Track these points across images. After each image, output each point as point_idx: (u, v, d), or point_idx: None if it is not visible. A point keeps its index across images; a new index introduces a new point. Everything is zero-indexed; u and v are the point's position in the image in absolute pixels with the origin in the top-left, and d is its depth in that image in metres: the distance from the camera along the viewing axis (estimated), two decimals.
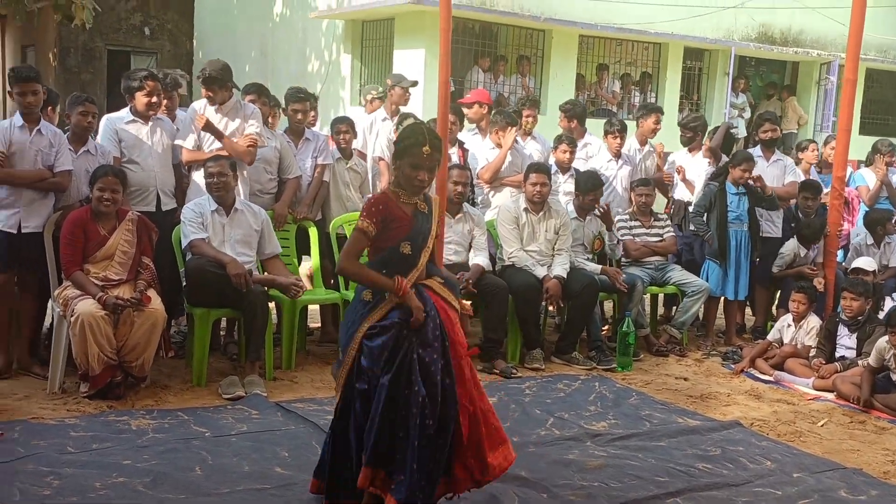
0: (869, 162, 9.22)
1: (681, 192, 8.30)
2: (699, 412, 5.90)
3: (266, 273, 6.22)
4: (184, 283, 6.07)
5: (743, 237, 7.63)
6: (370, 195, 7.47)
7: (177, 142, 6.48)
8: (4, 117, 19.12)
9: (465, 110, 8.11)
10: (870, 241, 8.15)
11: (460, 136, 7.87)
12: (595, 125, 9.96)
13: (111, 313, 5.34)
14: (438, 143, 3.94)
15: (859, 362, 6.48)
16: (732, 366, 7.07)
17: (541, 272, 6.84)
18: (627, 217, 7.76)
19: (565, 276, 6.86)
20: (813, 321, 7.06)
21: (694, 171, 8.15)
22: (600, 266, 7.30)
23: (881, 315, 6.76)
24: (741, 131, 16.54)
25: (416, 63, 13.93)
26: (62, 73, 19.67)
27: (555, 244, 7.05)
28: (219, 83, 6.47)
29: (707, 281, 7.54)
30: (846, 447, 5.40)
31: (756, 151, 8.12)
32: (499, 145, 7.60)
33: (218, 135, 6.36)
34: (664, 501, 4.41)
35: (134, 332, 5.42)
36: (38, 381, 5.71)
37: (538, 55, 15.87)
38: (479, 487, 4.03)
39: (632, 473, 4.69)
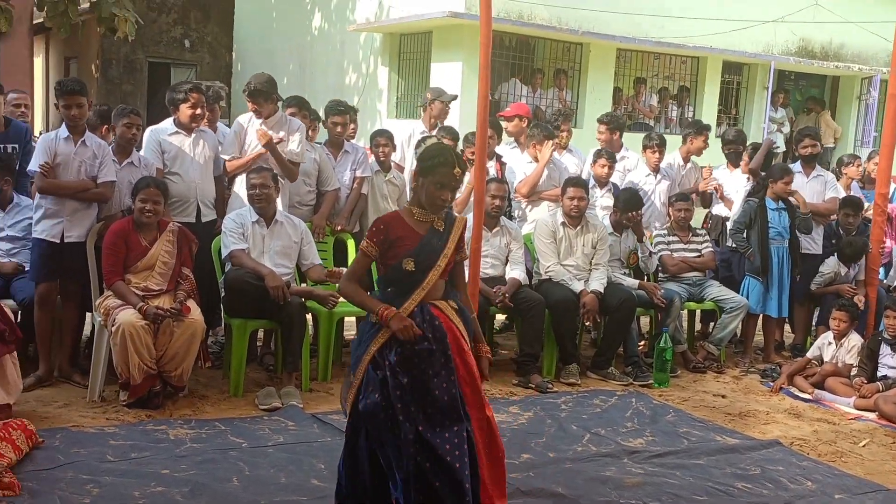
0: None
1: (718, 208, 8.24)
2: (738, 430, 5.83)
3: (308, 279, 6.25)
4: (222, 294, 6.12)
5: (784, 253, 7.55)
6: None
7: (221, 156, 6.55)
8: (48, 128, 19.44)
9: (505, 124, 8.10)
10: None
11: (498, 149, 7.88)
12: (632, 139, 9.91)
13: (151, 323, 5.39)
14: (464, 166, 3.93)
15: None
16: (771, 383, 6.98)
17: (578, 286, 6.81)
18: (665, 232, 7.70)
19: (602, 290, 6.82)
20: (854, 339, 6.96)
21: (732, 186, 8.09)
22: (637, 281, 7.25)
23: None
24: (780, 146, 16.40)
25: (454, 76, 13.96)
26: (104, 85, 19.96)
27: (592, 259, 7.02)
28: (264, 96, 6.52)
29: (747, 298, 7.46)
30: (889, 468, 5.31)
31: (796, 167, 8.04)
32: (536, 159, 7.58)
33: (276, 154, 6.40)
34: None
35: (173, 341, 5.46)
36: (78, 389, 5.77)
37: (575, 69, 15.85)
38: None
39: (670, 492, 4.64)
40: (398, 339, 3.70)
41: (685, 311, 7.58)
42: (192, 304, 5.67)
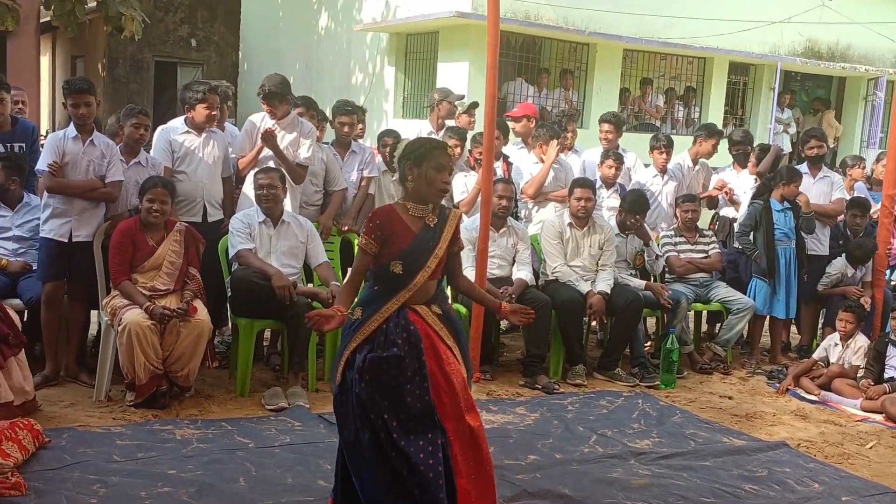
0: None
1: (726, 209, 8.23)
2: (744, 432, 5.82)
3: (317, 277, 6.26)
4: (229, 294, 6.12)
5: (791, 255, 7.53)
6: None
7: (233, 155, 6.56)
8: (55, 127, 19.49)
9: (513, 124, 8.10)
10: None
11: (506, 150, 7.87)
12: (639, 140, 9.91)
13: (158, 323, 5.39)
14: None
15: None
16: (777, 385, 6.97)
17: (584, 287, 6.80)
18: (672, 233, 7.69)
19: (609, 291, 6.81)
20: (861, 341, 6.95)
21: (739, 188, 8.08)
22: (644, 282, 7.24)
23: None
24: (786, 147, 16.38)
25: (460, 76, 13.97)
26: (110, 83, 20.01)
27: (599, 259, 7.01)
28: (279, 98, 6.54)
29: (754, 299, 7.44)
30: None
31: (802, 168, 8.02)
32: (542, 160, 7.58)
33: (277, 151, 6.42)
34: None
35: (180, 342, 5.47)
36: (84, 389, 5.77)
37: (582, 69, 15.85)
38: None
39: (677, 493, 4.64)
40: (369, 342, 3.70)
41: (692, 312, 7.57)
42: (198, 304, 5.67)
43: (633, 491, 4.65)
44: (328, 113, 7.65)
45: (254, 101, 6.79)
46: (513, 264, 6.93)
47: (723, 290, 7.49)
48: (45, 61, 21.69)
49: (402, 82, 16.31)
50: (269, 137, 6.35)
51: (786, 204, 7.52)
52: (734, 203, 8.06)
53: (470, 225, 6.83)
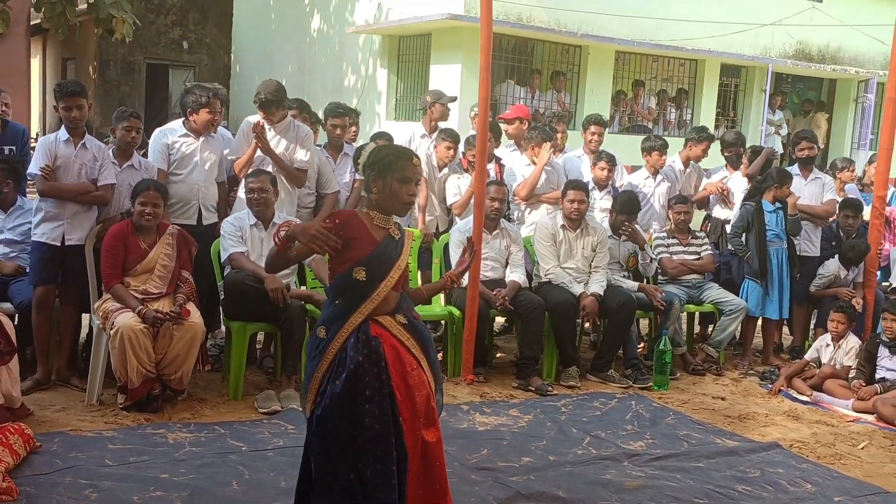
0: None
1: (717, 211, 8.24)
2: (737, 433, 5.84)
3: (310, 276, 6.26)
4: (222, 297, 6.11)
5: (783, 255, 7.54)
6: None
7: (231, 157, 6.56)
8: (45, 130, 19.43)
9: (506, 126, 8.10)
10: None
11: (498, 152, 7.88)
12: (632, 141, 9.92)
13: (150, 326, 5.37)
14: (419, 157, 3.78)
15: None
16: (770, 386, 6.98)
17: (578, 289, 6.81)
18: (665, 234, 7.70)
19: (602, 293, 6.82)
20: (852, 341, 6.97)
21: (732, 190, 8.08)
22: (637, 283, 7.25)
23: None
24: (778, 148, 16.43)
25: (453, 78, 13.97)
26: (101, 86, 19.97)
27: (592, 261, 7.02)
28: (276, 105, 6.55)
29: (746, 300, 7.46)
30: (888, 471, 5.31)
31: (794, 169, 8.04)
32: (534, 162, 7.58)
33: (271, 154, 6.43)
34: None
35: (173, 345, 5.45)
36: (76, 392, 5.75)
37: (574, 71, 15.87)
38: None
39: (671, 495, 4.64)
40: (332, 363, 3.54)
41: (684, 314, 7.58)
42: (191, 307, 5.65)
43: (627, 492, 4.65)
44: (321, 115, 7.64)
45: (246, 103, 6.80)
46: (506, 266, 6.93)
47: (715, 292, 7.51)
48: (35, 64, 21.63)
49: (394, 84, 16.30)
50: (259, 130, 6.34)
51: (777, 205, 7.53)
52: (728, 202, 8.07)
53: (463, 227, 6.84)
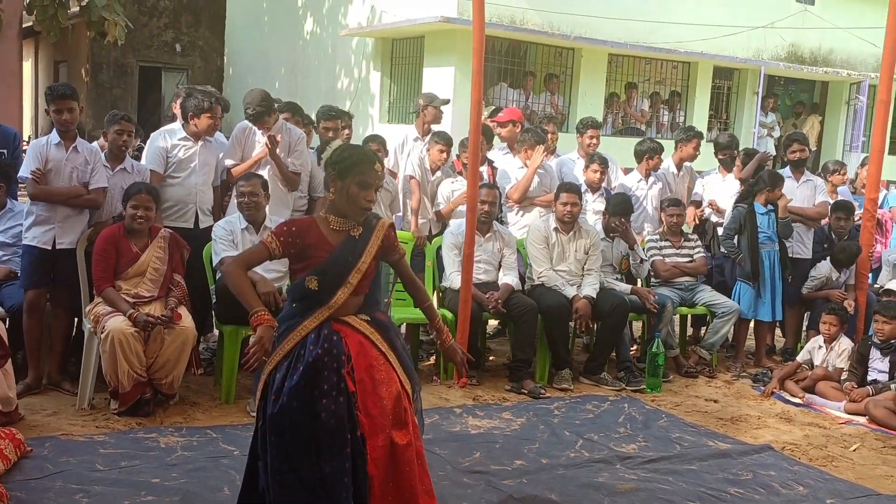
0: None
1: (708, 213, 8.25)
2: (730, 435, 5.84)
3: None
4: (214, 301, 6.10)
5: (775, 258, 7.55)
6: (399, 213, 7.52)
7: (227, 162, 6.55)
8: (37, 133, 19.38)
9: (499, 129, 8.10)
10: None
11: (491, 154, 7.88)
12: (625, 144, 9.93)
13: (142, 330, 5.35)
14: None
15: (892, 386, 6.40)
16: (762, 388, 6.99)
17: (570, 292, 6.81)
18: (658, 237, 7.71)
19: (595, 296, 6.82)
20: (844, 343, 6.98)
21: (726, 192, 8.10)
22: (630, 286, 7.25)
23: None
24: (770, 151, 16.47)
25: (446, 81, 13.98)
26: (94, 89, 19.94)
27: (584, 264, 7.02)
28: (267, 114, 6.56)
29: (738, 303, 7.47)
30: (879, 473, 5.32)
31: (786, 172, 8.06)
32: (527, 164, 7.58)
33: (280, 165, 6.47)
34: None
35: (164, 349, 5.43)
36: (67, 397, 5.73)
37: (567, 73, 15.89)
38: None
39: (663, 498, 4.64)
40: (287, 357, 3.48)
41: (677, 316, 7.58)
42: (183, 310, 5.63)
43: (620, 495, 4.65)
44: (314, 118, 7.63)
45: (239, 106, 6.78)
46: (499, 269, 6.93)
47: (708, 294, 7.51)
48: (27, 66, 21.57)
49: (387, 87, 16.31)
50: (273, 144, 6.37)
51: (769, 207, 7.54)
52: (719, 211, 8.08)
53: (456, 230, 6.83)
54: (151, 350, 5.41)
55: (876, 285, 8.17)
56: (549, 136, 8.29)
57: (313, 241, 3.53)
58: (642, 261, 7.44)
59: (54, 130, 5.77)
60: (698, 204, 8.44)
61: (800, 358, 7.19)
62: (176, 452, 4.89)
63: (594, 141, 8.19)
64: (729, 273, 7.72)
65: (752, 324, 7.81)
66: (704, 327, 7.86)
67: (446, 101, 8.47)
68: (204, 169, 6.42)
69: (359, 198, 3.53)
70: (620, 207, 7.24)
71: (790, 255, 7.72)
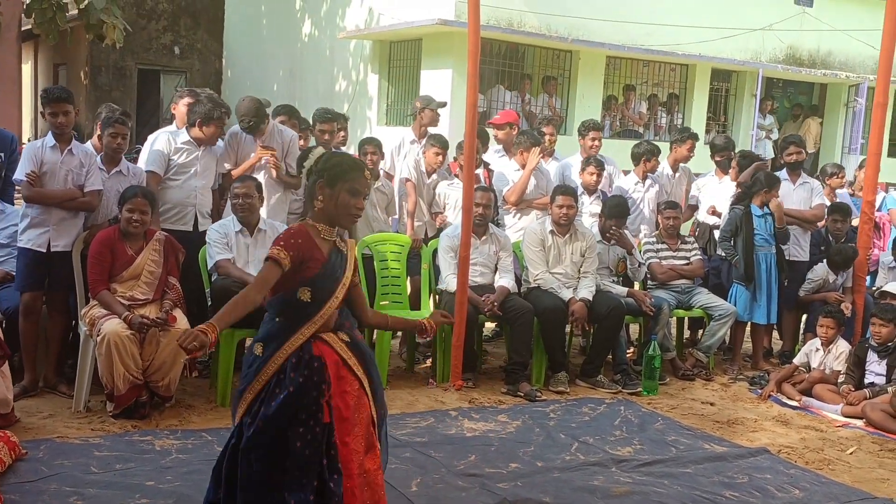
0: None
1: (704, 216, 8.25)
2: (726, 438, 5.83)
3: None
4: (209, 303, 6.09)
5: (771, 260, 7.54)
6: (395, 216, 7.52)
7: (227, 166, 6.57)
8: (37, 136, 19.37)
9: (495, 132, 8.10)
10: None
11: (487, 157, 7.87)
12: (622, 146, 9.93)
13: (137, 333, 5.35)
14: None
15: (889, 389, 6.39)
16: (759, 391, 6.99)
17: (567, 294, 6.81)
18: (654, 240, 7.70)
19: (591, 298, 6.82)
20: (841, 346, 6.97)
21: (722, 195, 8.09)
22: (626, 289, 7.25)
23: None
24: (768, 153, 16.47)
25: (444, 83, 13.98)
26: (93, 91, 19.92)
27: (581, 266, 7.02)
28: (260, 122, 6.58)
29: (735, 305, 7.46)
30: (876, 476, 5.31)
31: (782, 174, 8.05)
32: (523, 167, 7.58)
33: (279, 173, 6.55)
34: None
35: (160, 351, 5.43)
36: (63, 399, 5.72)
37: (565, 76, 15.89)
38: None
39: (658, 501, 4.64)
40: (282, 385, 3.36)
41: (674, 319, 7.58)
42: (178, 313, 5.63)
43: (615, 498, 4.65)
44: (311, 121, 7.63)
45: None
46: (495, 272, 6.93)
47: (704, 297, 7.51)
48: (26, 69, 21.57)
49: (385, 89, 16.30)
50: (273, 162, 6.47)
51: (766, 209, 7.54)
52: (717, 214, 8.08)
53: (451, 232, 6.83)
54: (147, 353, 5.41)
55: (873, 288, 8.16)
56: (548, 138, 8.30)
57: (310, 251, 3.45)
58: (640, 264, 7.44)
59: (50, 133, 5.77)
60: (695, 208, 8.43)
61: (797, 361, 7.18)
62: (171, 455, 4.89)
63: (596, 143, 8.18)
64: (725, 275, 7.72)
65: (748, 326, 7.80)
66: (701, 330, 7.86)
67: (443, 104, 8.47)
68: (204, 173, 6.44)
69: (350, 206, 3.48)
70: (616, 210, 7.24)
71: (787, 258, 7.71)
